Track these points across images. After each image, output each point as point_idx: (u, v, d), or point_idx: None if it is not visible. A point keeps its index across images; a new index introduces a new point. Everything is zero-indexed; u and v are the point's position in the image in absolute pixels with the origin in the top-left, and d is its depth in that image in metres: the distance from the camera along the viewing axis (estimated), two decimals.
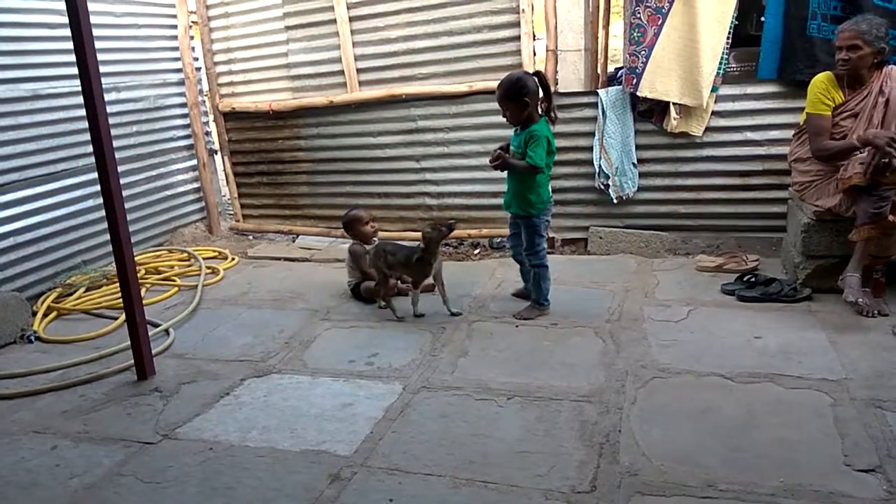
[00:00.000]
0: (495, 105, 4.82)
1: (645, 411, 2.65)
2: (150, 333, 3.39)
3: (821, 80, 3.56)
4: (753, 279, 3.80)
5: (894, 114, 3.40)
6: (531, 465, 2.36)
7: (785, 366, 2.92)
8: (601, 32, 4.73)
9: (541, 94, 3.47)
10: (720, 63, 4.22)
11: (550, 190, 3.67)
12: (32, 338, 3.79)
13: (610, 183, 4.64)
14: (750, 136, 4.38)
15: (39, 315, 4.03)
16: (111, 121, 5.04)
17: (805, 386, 2.75)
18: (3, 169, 4.25)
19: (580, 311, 3.70)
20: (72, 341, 3.73)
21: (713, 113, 4.40)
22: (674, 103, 4.34)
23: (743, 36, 4.76)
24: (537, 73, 3.55)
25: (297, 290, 4.40)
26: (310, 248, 5.40)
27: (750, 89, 4.33)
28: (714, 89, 4.28)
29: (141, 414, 2.91)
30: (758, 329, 3.31)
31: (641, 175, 4.64)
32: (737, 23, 4.24)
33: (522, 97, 3.40)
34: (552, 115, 3.53)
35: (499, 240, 5.02)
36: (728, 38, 4.18)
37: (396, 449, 2.51)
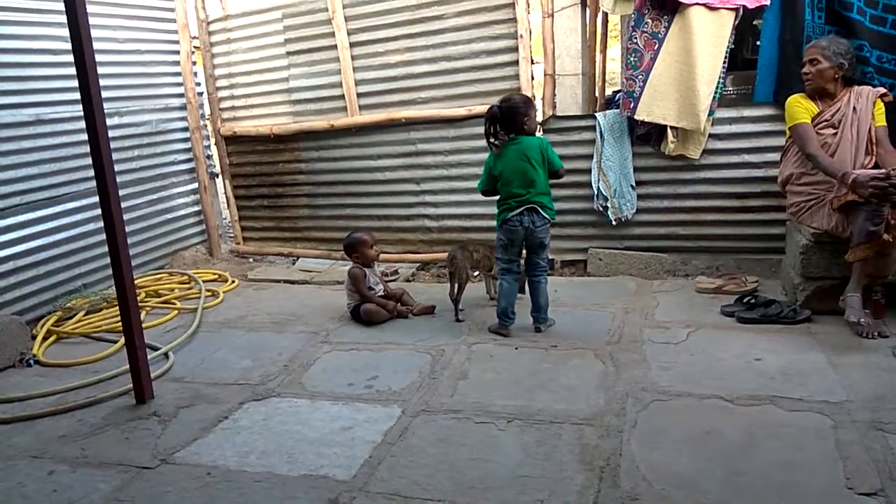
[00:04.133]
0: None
1: (645, 434, 2.63)
2: (149, 357, 3.39)
3: (794, 97, 3.81)
4: (753, 301, 3.80)
5: (863, 134, 3.59)
6: (531, 489, 2.34)
7: (785, 388, 2.91)
8: (599, 57, 4.79)
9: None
10: (717, 87, 4.26)
11: (503, 213, 3.69)
12: (32, 361, 3.78)
13: (609, 205, 4.66)
14: (747, 158, 4.41)
15: (39, 339, 4.03)
16: (113, 145, 5.09)
17: (806, 408, 2.73)
18: (5, 193, 4.28)
19: (580, 333, 3.70)
20: (71, 365, 3.73)
21: (710, 136, 4.43)
22: (671, 127, 4.37)
23: (739, 60, 4.84)
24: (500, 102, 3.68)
25: (297, 312, 4.40)
26: (310, 271, 5.41)
27: (747, 112, 4.37)
28: (711, 113, 4.31)
29: (139, 438, 2.90)
30: (758, 351, 3.30)
31: (640, 197, 4.66)
32: (733, 47, 4.29)
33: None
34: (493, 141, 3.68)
35: None
36: (724, 62, 4.22)
37: (395, 473, 2.50)
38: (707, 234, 4.61)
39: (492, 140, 3.67)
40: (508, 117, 3.61)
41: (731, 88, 4.57)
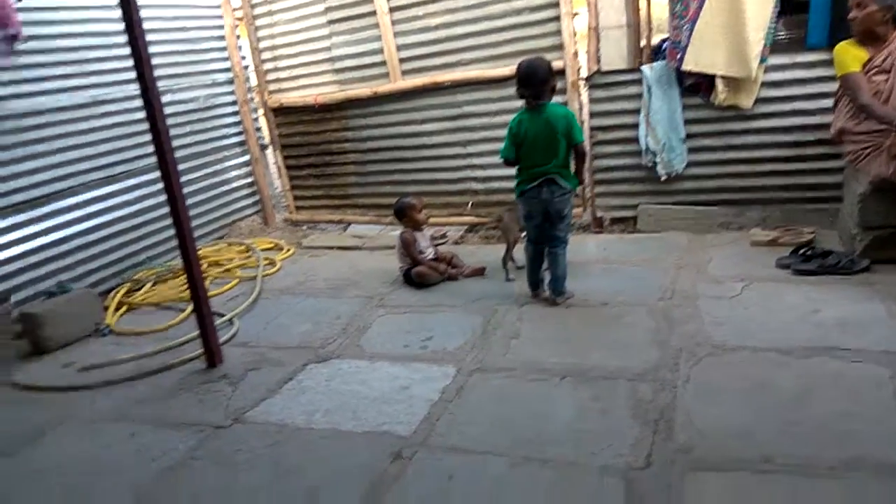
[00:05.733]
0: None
1: (700, 388, 2.66)
2: (215, 323, 3.56)
3: (842, 44, 3.68)
4: (810, 252, 3.73)
5: None
6: (586, 443, 2.41)
7: (843, 339, 2.88)
8: (644, 6, 4.66)
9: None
10: (768, 32, 4.12)
11: (522, 185, 3.57)
12: (106, 331, 4.01)
13: (658, 160, 4.60)
14: (802, 105, 4.27)
15: (111, 309, 4.26)
16: (168, 122, 5.27)
17: (864, 359, 2.71)
18: (68, 174, 4.49)
19: (632, 290, 3.71)
20: (143, 333, 3.94)
21: (763, 84, 4.30)
22: (721, 76, 4.26)
23: (792, 2, 4.65)
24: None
25: (351, 277, 4.52)
26: (361, 237, 5.53)
27: (799, 58, 4.22)
28: (763, 60, 4.18)
29: (211, 400, 3.07)
30: (815, 302, 3.26)
31: (690, 150, 4.58)
32: None
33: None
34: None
35: None
36: (776, 5, 4.07)
37: (454, 429, 2.60)
38: (761, 185, 4.51)
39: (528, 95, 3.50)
40: (536, 82, 3.45)
41: (783, 33, 4.41)
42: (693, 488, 2.12)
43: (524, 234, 4.47)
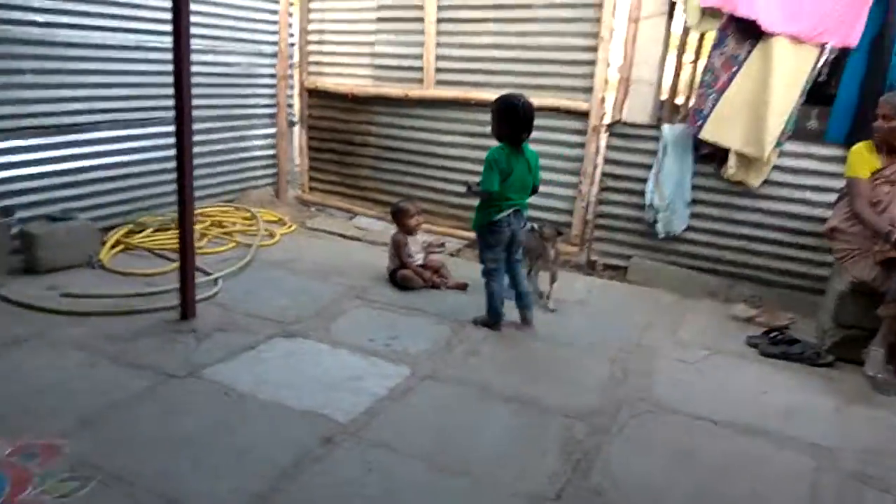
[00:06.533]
0: (561, 123, 4.97)
1: (629, 441, 2.74)
2: (200, 280, 3.69)
3: (859, 146, 3.71)
4: (780, 336, 3.80)
5: None
6: (508, 466, 2.50)
7: (781, 425, 2.94)
8: (672, 67, 4.77)
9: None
10: (789, 119, 4.20)
11: (493, 214, 3.57)
12: (97, 265, 4.17)
13: (659, 218, 4.67)
14: (808, 196, 4.33)
15: (108, 246, 4.42)
16: (204, 80, 5.43)
17: (795, 447, 2.78)
18: (98, 108, 4.67)
19: (600, 335, 3.79)
20: (130, 274, 4.10)
21: (775, 167, 4.38)
22: (734, 151, 4.35)
23: (822, 94, 4.73)
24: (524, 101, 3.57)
25: (341, 265, 4.65)
26: (363, 229, 5.66)
27: (815, 149, 4.29)
28: (779, 144, 4.26)
29: (175, 350, 3.21)
30: (769, 385, 3.33)
31: (692, 215, 4.66)
32: (823, 80, 4.19)
33: (498, 114, 3.56)
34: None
35: None
36: (802, 96, 4.14)
37: (389, 426, 2.70)
38: (754, 263, 4.57)
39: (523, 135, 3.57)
40: (530, 121, 3.54)
41: (811, 121, 4.49)
42: None
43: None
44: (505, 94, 3.66)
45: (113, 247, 4.46)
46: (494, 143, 5.27)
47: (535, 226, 4.18)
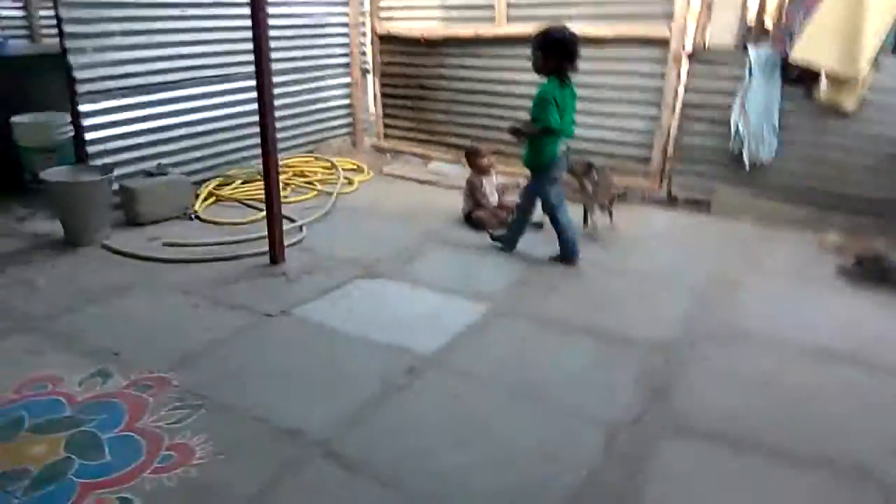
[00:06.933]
0: (636, 53, 4.81)
1: (712, 370, 2.74)
2: (286, 227, 3.88)
3: None
4: (874, 264, 3.63)
5: None
6: (584, 394, 2.56)
7: (872, 352, 2.86)
8: None
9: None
10: (889, 36, 3.90)
11: (555, 149, 3.60)
12: (193, 216, 4.44)
13: (745, 147, 4.50)
14: None
15: (201, 198, 4.69)
16: (278, 33, 5.49)
17: (884, 374, 2.70)
18: (185, 66, 4.86)
19: (679, 268, 3.75)
20: (224, 224, 4.34)
21: (871, 87, 4.10)
22: (827, 72, 4.09)
23: None
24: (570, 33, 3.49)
25: (419, 209, 4.75)
26: (438, 174, 5.72)
27: None
28: (876, 62, 3.97)
29: (267, 292, 3.41)
30: (858, 313, 3.22)
31: (780, 143, 4.45)
32: None
33: (544, 48, 3.46)
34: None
35: None
36: None
37: (469, 359, 2.81)
38: (848, 192, 4.34)
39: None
40: (577, 53, 3.47)
41: None
42: (670, 449, 2.25)
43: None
44: (547, 26, 3.57)
45: (206, 199, 4.72)
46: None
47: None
